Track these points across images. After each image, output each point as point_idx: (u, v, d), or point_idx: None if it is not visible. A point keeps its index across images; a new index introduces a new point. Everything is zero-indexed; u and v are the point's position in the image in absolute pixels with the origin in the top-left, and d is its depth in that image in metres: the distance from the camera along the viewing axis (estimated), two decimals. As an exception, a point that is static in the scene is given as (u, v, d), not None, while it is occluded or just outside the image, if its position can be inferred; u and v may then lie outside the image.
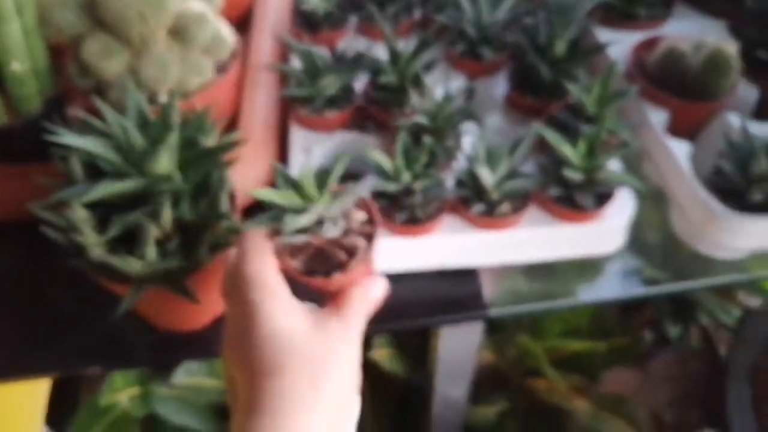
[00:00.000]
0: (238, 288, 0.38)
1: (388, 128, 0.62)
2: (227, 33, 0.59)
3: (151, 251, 0.44)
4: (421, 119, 0.56)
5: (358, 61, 0.61)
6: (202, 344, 0.55)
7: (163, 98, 0.56)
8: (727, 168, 0.57)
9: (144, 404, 0.89)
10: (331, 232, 0.42)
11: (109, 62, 0.54)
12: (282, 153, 0.63)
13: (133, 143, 0.44)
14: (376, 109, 0.62)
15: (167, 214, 0.44)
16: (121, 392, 0.88)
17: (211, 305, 0.54)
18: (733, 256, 0.62)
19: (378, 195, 0.54)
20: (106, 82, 0.55)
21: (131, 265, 0.44)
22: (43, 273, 0.60)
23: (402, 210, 0.53)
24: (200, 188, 0.47)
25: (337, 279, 0.41)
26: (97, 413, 0.90)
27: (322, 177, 0.41)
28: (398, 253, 0.56)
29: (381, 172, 0.53)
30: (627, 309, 1.22)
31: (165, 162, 0.45)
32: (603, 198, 0.56)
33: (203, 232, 0.46)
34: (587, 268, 0.63)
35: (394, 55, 0.61)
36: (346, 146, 0.62)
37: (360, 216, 0.44)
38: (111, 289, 0.49)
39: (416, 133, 0.57)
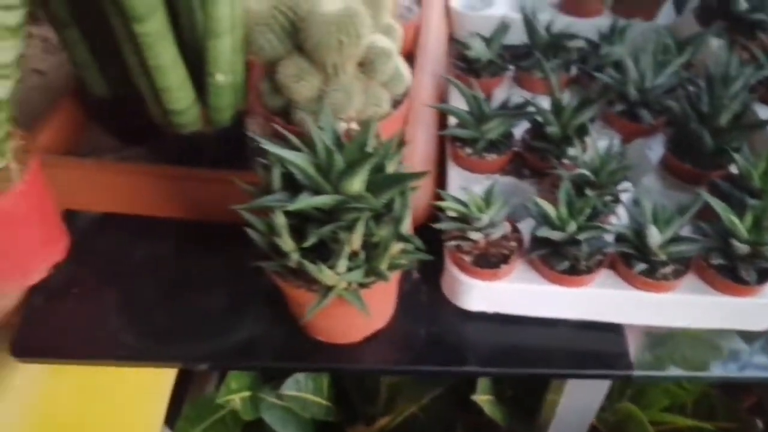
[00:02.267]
0: None
1: (543, 176, 0.64)
2: (406, 70, 0.63)
3: (343, 263, 0.47)
4: (585, 172, 0.58)
5: (523, 110, 0.64)
6: (353, 356, 0.58)
7: (342, 125, 0.60)
8: None
9: (253, 409, 0.92)
10: (495, 234, 0.57)
11: (302, 85, 0.58)
12: (438, 187, 0.65)
13: (334, 163, 0.48)
14: (534, 156, 0.64)
15: (360, 231, 0.47)
16: (235, 394, 0.92)
17: (371, 321, 0.56)
18: None
19: (537, 241, 0.56)
20: (295, 104, 0.60)
21: (323, 273, 0.47)
22: (206, 271, 0.65)
23: (563, 259, 0.55)
24: (383, 211, 0.50)
25: (503, 269, 0.55)
26: (208, 409, 0.94)
27: (486, 195, 0.56)
28: (549, 299, 0.57)
29: (545, 219, 0.55)
30: (732, 392, 1.16)
31: (358, 183, 0.48)
32: (764, 273, 0.55)
33: (385, 251, 0.49)
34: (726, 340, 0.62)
35: (558, 108, 0.63)
36: (501, 189, 0.64)
37: (508, 226, 0.59)
38: (290, 293, 0.52)
39: (577, 184, 0.58)
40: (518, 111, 0.64)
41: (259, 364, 0.59)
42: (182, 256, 0.66)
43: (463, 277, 0.56)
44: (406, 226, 0.50)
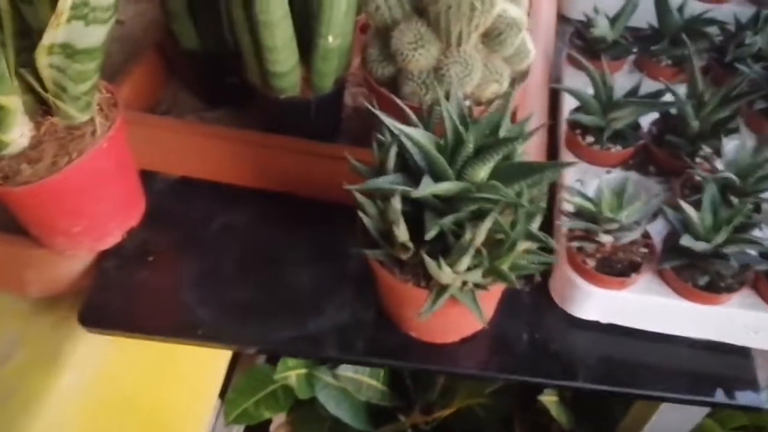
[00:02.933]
0: None
1: (673, 175, 0.57)
2: (531, 45, 0.56)
3: (465, 260, 0.41)
4: (730, 175, 0.51)
5: (659, 99, 0.57)
6: (448, 357, 0.53)
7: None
8: None
9: (308, 387, 0.89)
10: (625, 238, 0.50)
11: (419, 54, 0.52)
12: (548, 178, 0.59)
13: (463, 145, 0.42)
14: (663, 152, 0.57)
15: (488, 225, 0.42)
16: (291, 371, 0.88)
17: (475, 323, 0.51)
18: None
19: (672, 250, 0.50)
20: (406, 74, 0.54)
21: (443, 271, 0.41)
22: (289, 249, 0.60)
23: (702, 273, 0.48)
24: (516, 203, 0.45)
25: (632, 278, 0.49)
26: (261, 382, 0.91)
27: (619, 193, 0.51)
28: (677, 315, 0.51)
29: (686, 227, 0.48)
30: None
31: (486, 170, 0.43)
32: None
33: (511, 250, 0.43)
34: None
35: (699, 101, 0.56)
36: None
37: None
38: (393, 287, 0.47)
39: (720, 189, 0.52)
40: (654, 100, 0.56)
41: (344, 356, 0.54)
42: (264, 231, 0.62)
43: (582, 283, 0.51)
44: (537, 224, 0.44)
